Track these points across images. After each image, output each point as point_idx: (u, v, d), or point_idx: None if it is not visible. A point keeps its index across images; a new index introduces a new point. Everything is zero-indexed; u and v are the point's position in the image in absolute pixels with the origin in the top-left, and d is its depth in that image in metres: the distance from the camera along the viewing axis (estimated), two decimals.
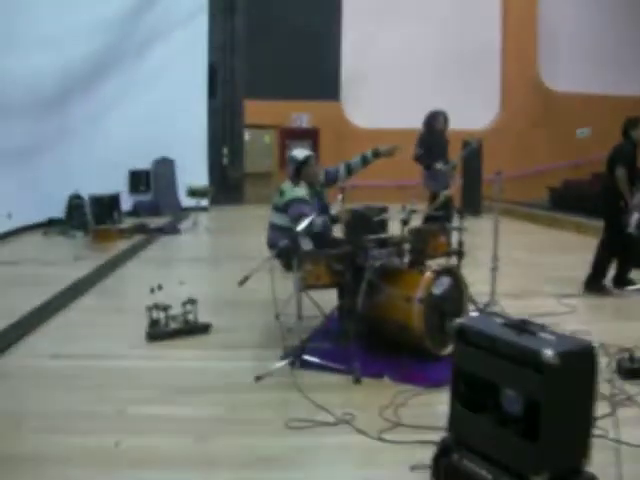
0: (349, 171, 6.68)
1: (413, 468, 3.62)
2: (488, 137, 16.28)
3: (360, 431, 4.18)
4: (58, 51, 12.94)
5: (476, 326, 3.10)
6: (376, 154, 6.65)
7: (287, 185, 6.21)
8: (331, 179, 6.56)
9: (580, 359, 2.86)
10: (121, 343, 6.01)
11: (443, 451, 3.26)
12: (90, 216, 12.30)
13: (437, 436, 3.83)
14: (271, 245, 6.16)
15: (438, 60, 18.67)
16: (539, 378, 2.71)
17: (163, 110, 14.81)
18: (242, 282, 5.01)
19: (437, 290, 5.42)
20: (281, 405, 4.64)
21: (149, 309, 6.16)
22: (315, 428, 4.26)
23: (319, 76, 18.06)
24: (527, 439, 2.83)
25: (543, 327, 3.02)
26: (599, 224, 12.17)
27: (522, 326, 2.98)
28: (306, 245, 5.88)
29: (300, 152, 6.35)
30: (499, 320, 3.09)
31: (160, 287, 6.30)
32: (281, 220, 6.14)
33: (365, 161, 6.71)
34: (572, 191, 16.56)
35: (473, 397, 3.07)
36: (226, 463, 3.87)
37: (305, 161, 6.28)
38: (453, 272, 5.68)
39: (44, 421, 4.40)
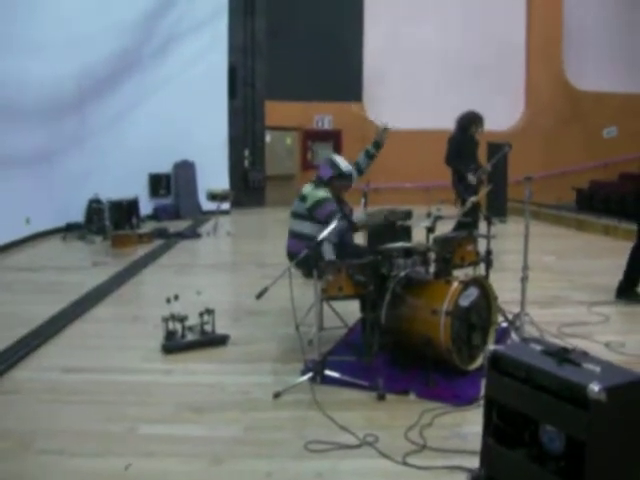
0: (359, 170, 6.44)
1: None
2: (513, 137, 15.98)
3: (384, 455, 3.96)
4: (77, 54, 12.81)
5: (511, 354, 2.84)
6: (376, 145, 6.39)
7: (308, 188, 5.97)
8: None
9: (630, 394, 2.59)
10: (135, 356, 5.83)
11: None
12: (109, 221, 12.15)
13: (465, 461, 3.61)
14: (291, 254, 5.93)
15: (462, 59, 18.39)
16: (584, 415, 2.45)
17: (183, 113, 14.65)
18: (260, 295, 4.78)
19: (464, 301, 5.18)
20: (300, 425, 4.42)
21: (165, 320, 5.98)
22: (336, 451, 4.05)
23: (341, 77, 17.83)
24: None
25: (586, 355, 2.77)
26: (628, 227, 11.98)
27: (563, 355, 2.72)
28: (329, 253, 5.66)
29: (345, 164, 6.06)
30: (537, 347, 2.83)
31: (177, 297, 6.10)
32: (303, 227, 5.91)
33: (369, 155, 6.47)
34: (599, 192, 16.22)
35: (508, 431, 2.82)
36: None
37: (347, 176, 6.04)
38: (481, 282, 5.44)
39: (52, 441, 4.23)
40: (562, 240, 12.54)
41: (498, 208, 14.25)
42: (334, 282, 5.02)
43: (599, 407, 2.42)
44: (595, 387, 2.44)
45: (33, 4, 11.68)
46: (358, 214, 6.12)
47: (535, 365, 2.68)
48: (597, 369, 2.62)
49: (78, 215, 13.44)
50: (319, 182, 5.98)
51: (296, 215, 6.02)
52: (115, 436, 4.29)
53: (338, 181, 5.98)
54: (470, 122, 9.40)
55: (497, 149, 10.86)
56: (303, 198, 5.93)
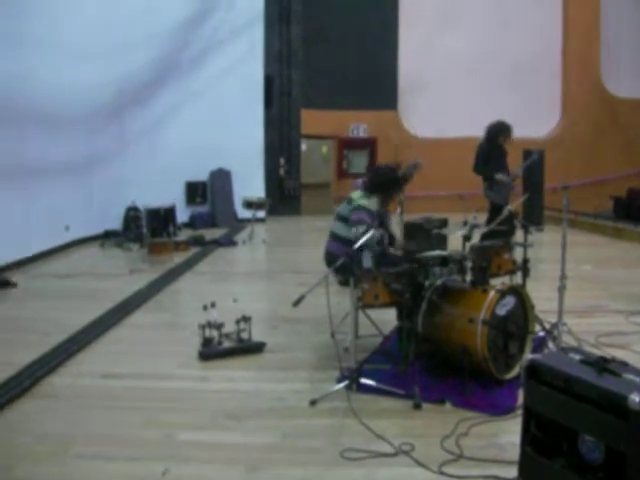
0: None
1: None
2: (549, 145, 15.92)
3: (420, 463, 3.96)
4: (117, 63, 12.96)
5: (550, 363, 2.82)
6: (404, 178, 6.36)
7: (357, 193, 6.00)
8: None
9: None
10: (172, 362, 5.88)
11: None
12: (146, 228, 12.25)
13: (502, 471, 3.59)
14: (330, 258, 5.93)
15: (497, 67, 18.29)
16: (624, 426, 2.43)
17: (219, 121, 14.75)
18: (297, 303, 4.80)
19: (501, 310, 5.15)
20: (336, 432, 4.43)
21: (202, 327, 6.02)
22: (371, 459, 4.05)
23: (376, 85, 17.84)
24: None
25: (626, 366, 2.74)
26: None
27: (603, 365, 2.69)
28: (367, 261, 5.66)
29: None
30: (576, 356, 2.81)
31: (213, 304, 6.15)
32: (345, 231, 5.93)
33: None
34: (637, 200, 16.00)
35: (546, 441, 2.80)
36: None
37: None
38: (518, 291, 5.40)
39: (90, 445, 4.29)
40: (599, 249, 12.41)
41: (535, 216, 14.13)
42: (370, 290, 5.03)
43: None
44: (636, 398, 2.41)
45: (75, 12, 11.83)
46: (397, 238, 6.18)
47: (574, 375, 2.66)
48: (638, 379, 2.59)
49: (116, 222, 13.62)
50: (367, 190, 6.01)
51: (340, 217, 6.06)
52: (152, 442, 4.33)
53: (391, 188, 6.05)
54: (497, 132, 9.36)
55: (530, 156, 10.81)
56: (350, 201, 5.98)
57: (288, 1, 17.09)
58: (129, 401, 5.02)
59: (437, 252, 5.65)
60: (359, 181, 6.21)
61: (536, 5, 18.65)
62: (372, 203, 5.90)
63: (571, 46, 18.90)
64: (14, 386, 5.17)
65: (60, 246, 11.92)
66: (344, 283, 5.65)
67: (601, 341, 6.22)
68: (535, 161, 9.25)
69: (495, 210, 9.11)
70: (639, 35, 18.94)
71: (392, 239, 6.24)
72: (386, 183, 6.05)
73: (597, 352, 5.48)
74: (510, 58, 18.24)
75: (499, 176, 9.18)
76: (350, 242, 5.51)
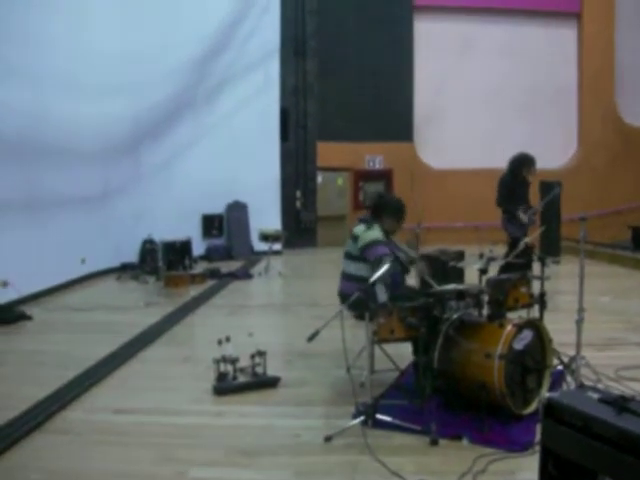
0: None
1: None
2: (566, 175, 15.84)
3: None
4: (131, 97, 13.07)
5: (568, 402, 2.75)
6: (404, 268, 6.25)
7: (360, 228, 5.95)
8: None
9: None
10: (187, 397, 5.84)
11: None
12: (162, 261, 12.28)
13: None
14: (343, 296, 5.89)
15: (513, 98, 18.34)
16: None
17: (235, 154, 14.85)
18: (311, 338, 4.75)
19: (518, 345, 5.08)
20: (352, 470, 4.36)
21: (217, 361, 5.99)
22: None
23: (392, 117, 17.88)
24: None
25: None
26: None
27: (622, 403, 2.63)
28: (382, 295, 5.62)
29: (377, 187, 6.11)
30: (594, 395, 2.75)
31: (228, 339, 6.12)
32: (355, 269, 5.90)
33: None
34: None
35: None
36: None
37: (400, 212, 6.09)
38: (536, 325, 5.33)
39: None
40: (618, 280, 12.28)
41: (552, 248, 14.02)
42: (386, 325, 4.98)
43: None
44: None
45: (92, 48, 11.97)
46: (405, 249, 6.13)
47: (593, 414, 2.59)
48: None
49: (132, 255, 13.67)
50: (368, 221, 5.98)
51: (349, 256, 6.01)
52: (164, 478, 4.29)
53: (388, 217, 6.01)
54: (521, 165, 9.32)
55: (548, 188, 10.73)
56: (355, 238, 5.92)
57: (303, 35, 17.24)
58: (142, 437, 4.97)
59: (453, 286, 5.60)
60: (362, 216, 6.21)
61: (551, 36, 18.75)
62: (379, 234, 5.87)
63: (586, 76, 18.93)
64: (27, 421, 5.14)
65: (76, 279, 11.96)
66: (360, 317, 5.60)
67: (621, 375, 6.12)
68: (556, 195, 9.16)
69: (513, 244, 9.05)
70: None
71: (405, 270, 6.18)
72: (392, 207, 6.04)
73: (617, 386, 5.41)
74: (526, 89, 18.30)
75: (522, 216, 9.11)
76: (363, 279, 5.47)
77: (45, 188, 10.93)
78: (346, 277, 6.04)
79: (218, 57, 15.17)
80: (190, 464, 4.47)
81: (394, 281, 5.87)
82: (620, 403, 2.63)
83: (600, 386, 4.98)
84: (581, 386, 4.04)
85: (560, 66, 18.84)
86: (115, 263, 13.44)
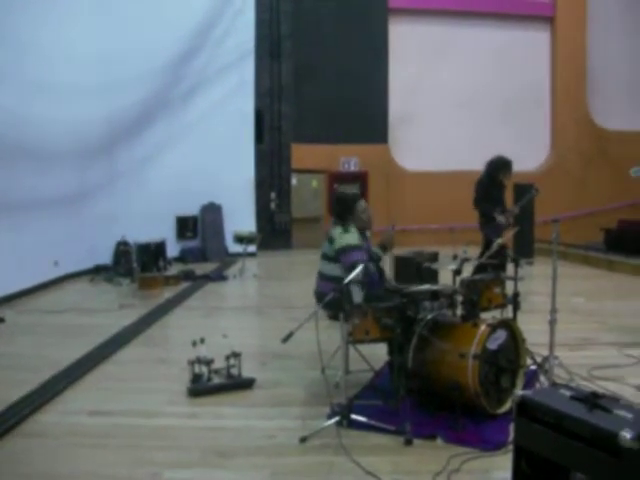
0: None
1: None
2: (539, 178, 15.97)
3: None
4: (105, 98, 13.02)
5: (540, 400, 2.78)
6: (383, 247, 6.28)
7: (337, 231, 5.95)
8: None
9: None
10: (161, 399, 5.80)
11: None
12: (136, 263, 12.21)
13: None
14: (319, 296, 5.89)
15: (486, 101, 18.47)
16: (616, 463, 2.39)
17: (210, 156, 14.80)
18: (286, 339, 4.76)
19: (492, 345, 5.11)
20: (327, 470, 4.36)
21: (191, 363, 5.97)
22: None
23: (366, 119, 17.93)
24: None
25: (617, 401, 2.70)
26: None
27: (594, 401, 2.65)
28: (357, 296, 5.63)
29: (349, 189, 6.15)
30: (566, 393, 2.77)
31: (203, 340, 6.10)
32: (331, 270, 5.90)
33: (377, 258, 6.30)
34: (628, 232, 16.05)
35: (537, 478, 2.75)
36: None
37: (355, 199, 6.08)
38: (509, 325, 5.37)
39: None
40: (591, 281, 12.40)
41: (525, 249, 14.13)
42: (361, 326, 4.99)
43: (631, 455, 2.36)
44: (627, 434, 2.38)
45: (66, 49, 11.90)
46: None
47: (565, 411, 2.62)
48: (629, 415, 2.55)
49: (106, 257, 13.57)
50: (343, 222, 5.98)
51: (325, 257, 6.02)
52: None
53: (351, 215, 6.03)
54: (499, 168, 9.41)
55: (523, 191, 10.82)
56: (331, 240, 5.93)
57: (278, 36, 17.24)
58: (117, 439, 4.94)
59: (427, 286, 5.62)
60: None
61: (525, 41, 18.88)
62: (355, 237, 5.87)
63: (559, 81, 19.10)
64: (0, 424, 5.09)
65: (49, 281, 11.86)
66: (335, 318, 5.61)
67: (594, 374, 6.18)
68: (532, 197, 9.27)
69: (489, 245, 9.13)
70: (625, 69, 19.16)
71: (382, 272, 6.21)
72: (349, 204, 6.07)
73: (590, 386, 5.45)
74: (500, 93, 18.44)
75: (499, 218, 9.20)
76: (338, 279, 5.48)
77: (18, 189, 10.83)
78: (322, 277, 6.04)
79: (193, 58, 15.14)
80: (165, 466, 4.45)
81: (371, 281, 5.88)
82: (592, 400, 2.67)
83: (572, 385, 5.01)
84: (554, 384, 4.08)
85: (534, 70, 19.00)
86: (89, 265, 13.34)
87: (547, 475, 2.72)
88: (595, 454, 2.48)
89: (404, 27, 18.41)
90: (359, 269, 5.16)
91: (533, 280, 11.39)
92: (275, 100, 17.39)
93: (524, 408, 2.82)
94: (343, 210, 6.08)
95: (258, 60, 16.55)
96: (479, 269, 7.78)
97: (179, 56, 14.76)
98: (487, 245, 9.24)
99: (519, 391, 2.92)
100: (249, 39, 16.21)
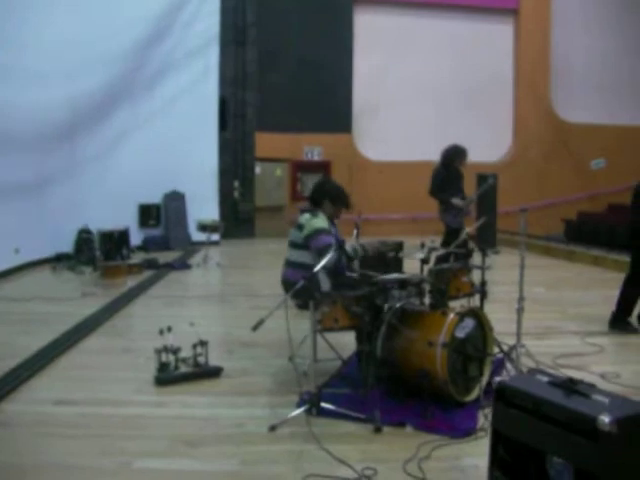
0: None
1: None
2: (501, 169, 16.12)
3: None
4: (68, 84, 12.81)
5: (518, 385, 2.80)
6: (349, 258, 6.27)
7: (305, 217, 5.93)
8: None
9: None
10: (128, 388, 5.75)
11: None
12: (99, 251, 12.07)
13: None
14: (287, 283, 5.88)
15: (450, 92, 18.55)
16: (594, 447, 2.41)
17: (173, 143, 14.68)
18: (256, 327, 4.74)
19: (461, 333, 5.15)
20: (297, 458, 4.36)
21: (158, 352, 5.92)
22: None
23: (331, 109, 17.90)
24: None
25: (594, 387, 2.73)
26: (618, 257, 12.05)
27: (571, 386, 2.68)
28: (324, 284, 5.63)
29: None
30: (544, 378, 2.80)
31: (170, 329, 6.05)
32: (300, 257, 5.88)
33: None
34: (588, 223, 16.32)
35: (514, 463, 2.77)
36: None
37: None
38: (477, 314, 5.42)
39: (42, 476, 4.16)
40: (552, 271, 12.53)
41: (488, 239, 14.22)
42: (330, 314, 4.99)
43: (609, 439, 2.39)
44: (606, 418, 2.41)
45: (25, 33, 11.69)
46: (351, 244, 6.15)
47: (543, 396, 2.65)
48: (606, 400, 2.59)
49: (68, 245, 13.37)
50: (313, 208, 5.98)
51: (293, 244, 5.99)
52: (107, 471, 4.22)
53: (328, 203, 6.03)
54: (453, 156, 9.49)
55: (484, 180, 10.90)
56: (300, 227, 5.90)
57: (243, 24, 17.13)
58: (83, 428, 4.89)
59: (396, 275, 5.64)
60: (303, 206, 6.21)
61: (489, 32, 19.00)
62: (324, 221, 5.86)
63: (522, 73, 19.26)
64: None
65: (10, 269, 11.67)
66: (302, 307, 5.60)
67: (559, 362, 6.27)
68: (491, 186, 9.35)
69: (450, 233, 9.20)
70: (590, 60, 19.38)
71: (349, 260, 6.21)
72: (332, 193, 6.07)
73: (556, 373, 5.52)
74: (463, 84, 18.53)
75: (455, 200, 9.29)
76: (307, 266, 5.47)
77: None
78: (290, 264, 6.01)
79: (157, 44, 14.93)
80: (134, 455, 4.42)
81: (337, 268, 5.87)
82: (569, 385, 2.70)
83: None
84: (531, 370, 4.12)
85: (497, 61, 19.13)
86: (50, 253, 13.14)
87: (524, 460, 2.74)
88: (573, 438, 2.51)
89: (369, 17, 18.42)
90: (331, 254, 5.15)
91: (496, 270, 11.47)
92: (239, 88, 17.29)
93: (502, 394, 2.84)
94: (320, 196, 6.07)
95: (223, 47, 16.40)
96: (443, 259, 7.81)
97: (143, 41, 14.56)
98: (448, 234, 9.32)
99: (497, 377, 2.93)
100: (214, 25, 16.01)
